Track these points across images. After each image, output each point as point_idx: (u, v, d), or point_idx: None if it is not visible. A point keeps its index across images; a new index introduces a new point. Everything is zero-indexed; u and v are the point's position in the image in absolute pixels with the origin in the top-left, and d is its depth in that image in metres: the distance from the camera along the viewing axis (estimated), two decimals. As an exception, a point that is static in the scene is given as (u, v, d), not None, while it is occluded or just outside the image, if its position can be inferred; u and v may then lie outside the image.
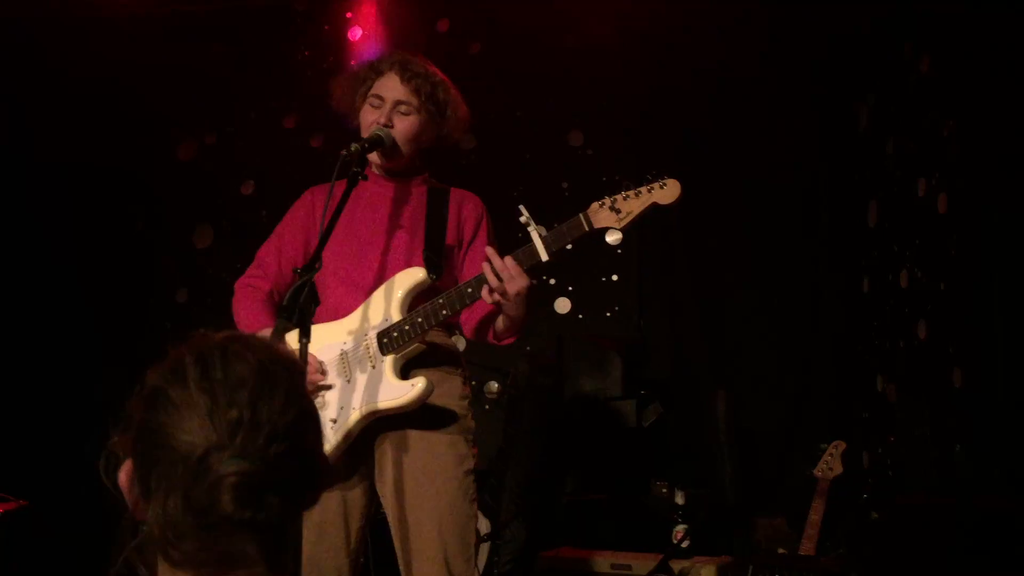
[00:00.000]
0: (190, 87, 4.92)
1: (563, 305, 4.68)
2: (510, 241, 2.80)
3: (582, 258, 4.44)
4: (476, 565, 2.54)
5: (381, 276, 2.58)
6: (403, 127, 2.58)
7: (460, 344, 3.03)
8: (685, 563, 3.36)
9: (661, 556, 3.35)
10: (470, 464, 2.54)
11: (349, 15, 4.91)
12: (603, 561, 3.52)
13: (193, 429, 1.06)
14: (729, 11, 4.36)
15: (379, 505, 2.58)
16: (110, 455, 1.15)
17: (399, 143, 2.59)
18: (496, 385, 4.54)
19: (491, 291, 2.36)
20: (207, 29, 4.87)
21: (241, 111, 5.02)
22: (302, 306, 2.18)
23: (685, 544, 3.40)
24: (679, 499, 3.47)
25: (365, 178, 2.45)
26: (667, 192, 2.33)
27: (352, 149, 2.43)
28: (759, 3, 4.40)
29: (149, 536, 1.08)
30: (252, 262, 2.79)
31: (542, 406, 4.33)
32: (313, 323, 2.32)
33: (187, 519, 1.05)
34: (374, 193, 2.65)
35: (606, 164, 4.69)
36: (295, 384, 1.14)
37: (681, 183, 2.34)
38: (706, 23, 4.43)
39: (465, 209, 2.69)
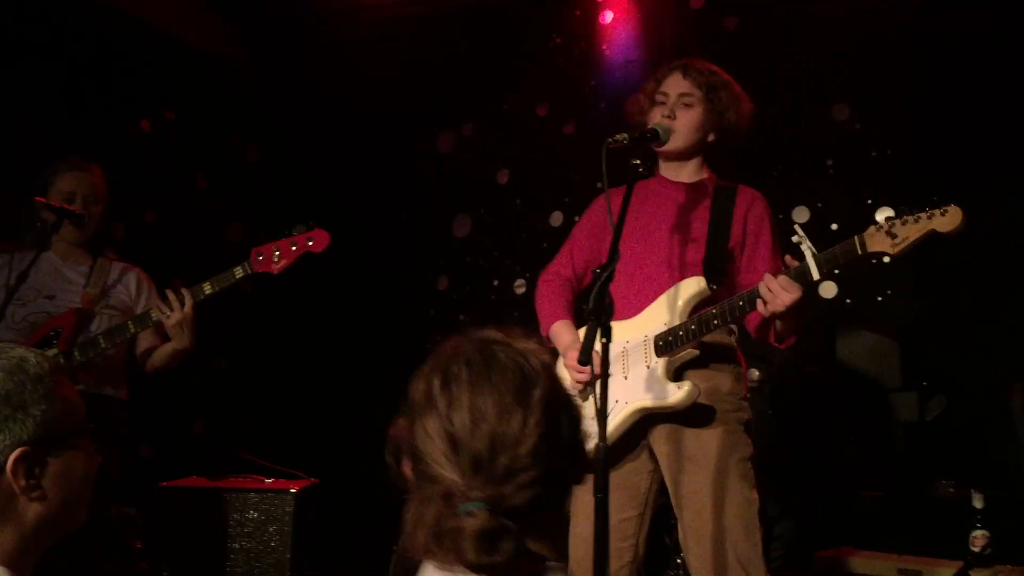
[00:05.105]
0: (447, 81, 5.08)
1: (829, 289, 4.43)
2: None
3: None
4: (764, 551, 2.46)
5: (665, 279, 2.59)
6: (686, 118, 2.59)
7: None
8: (985, 572, 3.09)
9: (961, 563, 3.09)
10: (745, 452, 2.49)
11: (600, -1, 4.88)
12: (888, 565, 3.31)
13: (441, 462, 1.13)
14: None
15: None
16: (393, 442, 1.23)
17: (680, 136, 2.58)
18: (757, 373, 4.37)
19: (764, 303, 2.33)
20: (460, 24, 5.00)
21: (495, 102, 5.13)
22: (607, 307, 2.19)
23: (988, 551, 3.11)
24: (977, 502, 3.18)
25: (646, 171, 2.41)
26: (948, 220, 2.20)
27: (617, 138, 2.37)
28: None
29: (408, 535, 1.16)
30: (551, 257, 2.86)
31: (809, 396, 4.12)
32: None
33: (433, 546, 1.13)
34: (660, 194, 2.67)
35: (876, 138, 4.37)
36: (544, 398, 1.17)
37: (964, 211, 2.19)
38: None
39: (752, 210, 2.64)
